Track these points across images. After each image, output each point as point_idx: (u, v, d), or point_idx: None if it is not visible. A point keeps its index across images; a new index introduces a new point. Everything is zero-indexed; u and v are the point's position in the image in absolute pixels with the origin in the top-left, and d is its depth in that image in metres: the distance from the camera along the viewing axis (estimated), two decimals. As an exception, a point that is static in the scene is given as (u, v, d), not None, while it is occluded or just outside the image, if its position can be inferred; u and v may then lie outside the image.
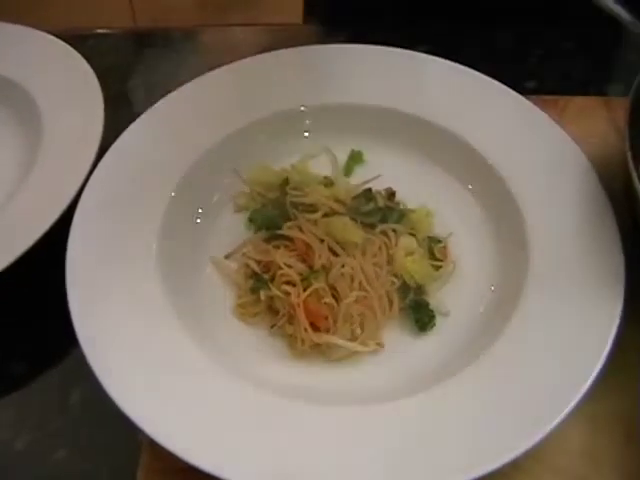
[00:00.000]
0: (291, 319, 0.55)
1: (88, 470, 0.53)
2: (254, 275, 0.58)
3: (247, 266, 0.58)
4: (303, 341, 0.54)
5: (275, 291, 0.55)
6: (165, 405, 0.49)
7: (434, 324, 0.56)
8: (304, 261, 0.57)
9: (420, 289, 0.57)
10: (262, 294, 0.56)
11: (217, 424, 0.48)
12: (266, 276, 0.57)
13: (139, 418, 0.47)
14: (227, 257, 0.60)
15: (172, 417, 0.48)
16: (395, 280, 0.57)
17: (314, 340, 0.54)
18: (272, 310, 0.57)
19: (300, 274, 0.56)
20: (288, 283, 0.56)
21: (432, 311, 0.57)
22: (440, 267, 0.59)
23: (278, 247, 0.58)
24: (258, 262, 0.58)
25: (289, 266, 0.56)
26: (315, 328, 0.54)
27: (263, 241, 0.59)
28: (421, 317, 0.56)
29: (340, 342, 0.54)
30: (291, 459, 0.47)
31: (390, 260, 0.58)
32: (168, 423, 0.48)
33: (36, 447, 0.53)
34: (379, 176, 0.63)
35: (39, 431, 0.54)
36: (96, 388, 0.49)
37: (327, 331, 0.55)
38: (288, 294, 0.55)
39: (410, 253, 0.58)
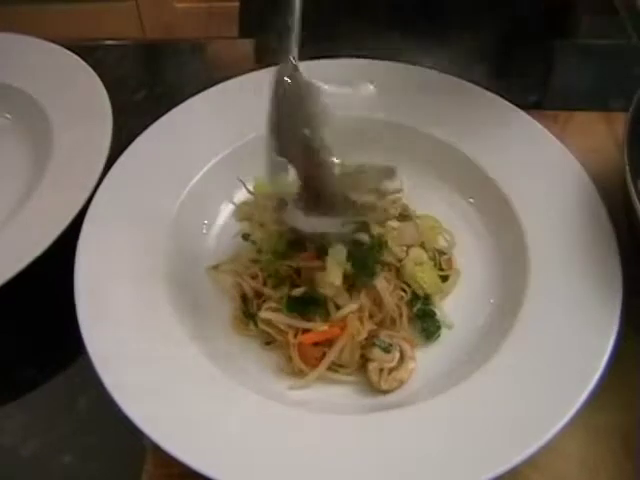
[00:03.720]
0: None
1: (94, 475, 0.53)
2: (245, 299, 0.58)
3: (239, 285, 0.59)
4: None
5: (264, 327, 0.56)
6: (170, 411, 0.49)
7: (439, 335, 0.57)
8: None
9: (428, 299, 0.58)
10: (252, 326, 0.57)
11: (220, 430, 0.49)
12: (254, 307, 0.57)
13: (144, 423, 0.48)
14: (214, 268, 0.61)
15: (176, 423, 0.49)
16: (404, 295, 0.57)
17: (308, 380, 0.55)
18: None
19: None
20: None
21: (438, 321, 0.57)
22: (447, 278, 0.60)
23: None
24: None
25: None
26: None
27: (251, 261, 0.59)
28: (427, 327, 0.57)
29: (335, 377, 0.55)
30: (294, 467, 0.47)
31: (400, 273, 0.58)
32: (172, 429, 0.48)
33: (43, 452, 0.54)
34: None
35: (46, 436, 0.55)
36: (102, 394, 0.49)
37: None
38: (282, 332, 0.55)
39: (419, 264, 0.59)
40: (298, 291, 0.55)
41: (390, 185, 0.53)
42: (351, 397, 0.54)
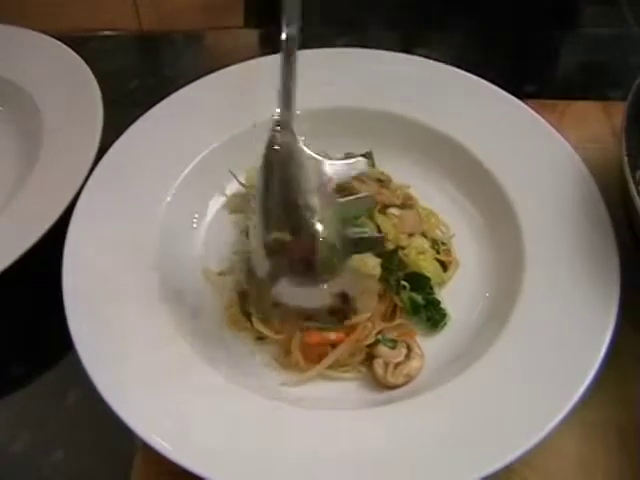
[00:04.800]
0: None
1: (84, 471, 0.53)
2: (243, 296, 0.57)
3: (237, 282, 0.58)
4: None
5: (262, 329, 0.56)
6: (159, 408, 0.49)
7: (445, 323, 0.56)
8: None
9: (431, 289, 0.57)
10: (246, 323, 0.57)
11: (211, 428, 0.48)
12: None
13: (133, 421, 0.47)
14: (220, 274, 0.60)
15: (165, 420, 0.48)
16: (406, 284, 0.56)
17: (304, 378, 0.54)
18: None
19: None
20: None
21: (443, 310, 0.57)
22: (447, 268, 0.59)
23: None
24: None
25: None
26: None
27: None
28: (433, 315, 0.56)
29: (335, 375, 0.54)
30: (286, 464, 0.47)
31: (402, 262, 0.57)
32: (161, 426, 0.48)
33: (33, 448, 0.54)
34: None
35: (36, 433, 0.55)
36: (93, 390, 0.49)
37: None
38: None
39: (421, 252, 0.58)
40: None
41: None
42: (346, 393, 0.54)
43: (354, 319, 0.54)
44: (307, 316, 0.55)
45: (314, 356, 0.54)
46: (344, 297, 0.54)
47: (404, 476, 0.46)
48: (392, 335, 0.55)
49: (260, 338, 0.56)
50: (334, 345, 0.54)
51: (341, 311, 0.55)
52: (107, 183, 0.61)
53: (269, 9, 0.92)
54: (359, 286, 0.54)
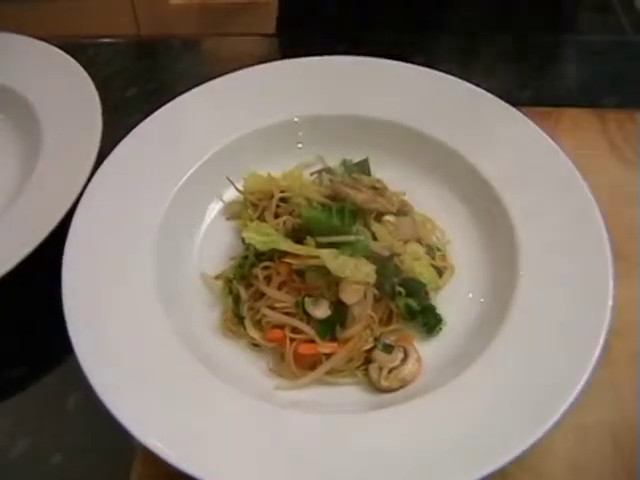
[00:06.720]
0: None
1: (84, 474, 0.53)
2: (237, 301, 0.58)
3: (229, 284, 0.58)
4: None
5: (254, 335, 0.56)
6: (157, 412, 0.49)
7: (441, 328, 0.57)
8: (296, 289, 0.56)
9: (426, 294, 0.58)
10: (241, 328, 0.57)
11: (209, 431, 0.48)
12: (245, 310, 0.57)
13: (131, 424, 0.48)
14: (217, 279, 0.60)
15: (164, 424, 0.49)
16: (402, 289, 0.57)
17: (299, 384, 0.54)
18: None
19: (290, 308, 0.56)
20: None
21: (439, 315, 0.57)
22: (442, 274, 0.59)
23: (269, 274, 0.57)
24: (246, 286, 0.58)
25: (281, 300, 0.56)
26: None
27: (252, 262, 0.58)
28: (428, 321, 0.57)
29: (332, 380, 0.55)
30: (282, 467, 0.47)
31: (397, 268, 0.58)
32: (160, 430, 0.48)
33: (33, 451, 0.54)
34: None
35: (36, 436, 0.55)
36: (92, 394, 0.49)
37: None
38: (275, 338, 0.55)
39: (417, 259, 0.59)
40: (324, 312, 0.55)
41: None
42: (343, 396, 0.54)
43: (348, 332, 0.55)
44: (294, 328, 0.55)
45: (307, 364, 0.55)
46: (340, 305, 0.55)
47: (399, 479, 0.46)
48: (390, 340, 0.56)
49: (255, 344, 0.57)
50: (328, 355, 0.55)
51: (337, 319, 0.55)
52: (106, 189, 0.61)
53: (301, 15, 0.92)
54: (354, 294, 0.55)
